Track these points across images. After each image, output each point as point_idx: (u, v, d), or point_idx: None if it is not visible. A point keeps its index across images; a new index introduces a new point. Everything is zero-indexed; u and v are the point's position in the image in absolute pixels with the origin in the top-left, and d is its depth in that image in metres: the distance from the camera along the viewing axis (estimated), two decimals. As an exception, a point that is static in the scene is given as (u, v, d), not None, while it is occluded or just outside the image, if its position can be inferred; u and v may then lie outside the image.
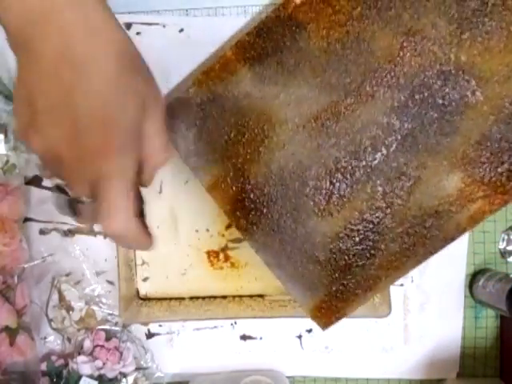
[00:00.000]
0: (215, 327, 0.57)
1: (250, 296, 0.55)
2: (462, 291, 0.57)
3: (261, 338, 0.57)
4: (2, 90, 0.53)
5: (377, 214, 0.42)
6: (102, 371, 0.53)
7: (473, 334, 0.57)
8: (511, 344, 0.56)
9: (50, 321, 0.56)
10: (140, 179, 0.33)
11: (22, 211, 0.53)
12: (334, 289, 0.43)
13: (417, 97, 0.40)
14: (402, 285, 0.56)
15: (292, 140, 0.42)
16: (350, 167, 0.42)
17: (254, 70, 0.42)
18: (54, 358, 0.55)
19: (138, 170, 0.31)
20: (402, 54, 0.40)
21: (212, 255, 0.55)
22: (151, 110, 0.31)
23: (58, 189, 0.33)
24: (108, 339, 0.55)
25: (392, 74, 0.41)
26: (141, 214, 0.34)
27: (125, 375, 0.54)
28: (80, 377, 0.53)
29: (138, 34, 0.55)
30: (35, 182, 0.56)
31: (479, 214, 0.41)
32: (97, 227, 0.57)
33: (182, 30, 0.54)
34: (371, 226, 0.42)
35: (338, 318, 0.44)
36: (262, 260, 0.44)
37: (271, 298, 0.55)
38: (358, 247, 0.42)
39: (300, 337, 0.57)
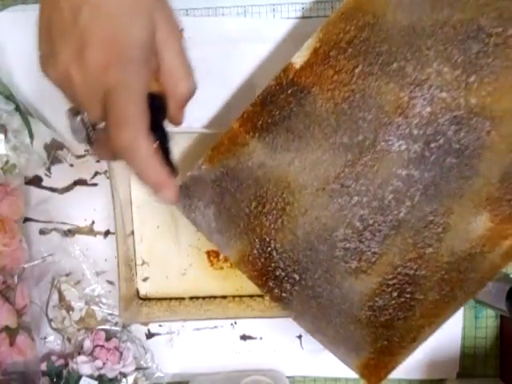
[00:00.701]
0: (215, 327, 0.57)
1: (250, 296, 0.55)
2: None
3: (261, 338, 0.57)
4: (2, 90, 0.53)
5: (410, 266, 0.42)
6: (102, 371, 0.53)
7: (473, 333, 0.57)
8: (511, 344, 0.56)
9: (49, 321, 0.56)
10: (167, 114, 0.34)
11: (22, 211, 0.53)
12: (378, 345, 0.43)
13: (432, 145, 0.41)
14: (401, 285, 0.56)
15: (313, 204, 0.42)
16: (376, 224, 0.42)
17: (263, 140, 0.43)
18: (53, 358, 0.55)
19: (158, 96, 0.32)
20: (411, 105, 0.40)
21: (212, 255, 0.55)
22: (163, 27, 0.31)
23: (75, 113, 0.32)
24: (108, 339, 0.55)
25: (404, 126, 0.41)
26: (164, 151, 0.33)
27: (125, 375, 0.55)
28: (80, 377, 0.53)
29: (138, 34, 0.55)
30: (35, 182, 0.56)
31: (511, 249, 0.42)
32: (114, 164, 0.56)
33: (181, 30, 0.54)
34: (407, 278, 0.42)
35: (387, 373, 0.44)
36: (301, 327, 0.45)
37: None
38: (396, 301, 0.43)
39: (300, 337, 0.57)
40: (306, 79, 0.41)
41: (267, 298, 0.55)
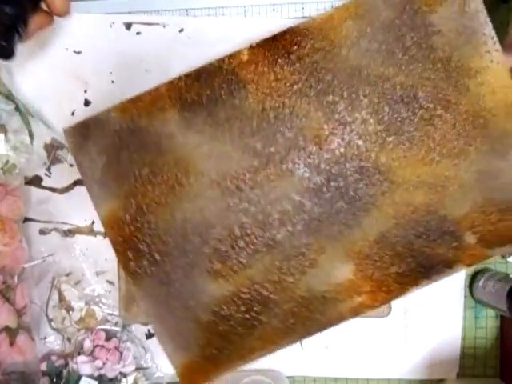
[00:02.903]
0: (215, 327, 0.57)
1: None
2: (462, 291, 0.57)
3: (261, 338, 0.57)
4: (2, 90, 0.53)
5: (268, 287, 0.42)
6: (102, 371, 0.53)
7: (473, 333, 0.57)
8: (511, 344, 0.56)
9: (49, 321, 0.56)
10: None
11: (22, 211, 0.53)
12: (207, 352, 0.43)
13: (332, 184, 0.42)
14: (401, 285, 0.56)
15: (203, 194, 0.42)
16: (253, 236, 0.42)
17: (183, 114, 0.41)
18: (53, 358, 0.55)
19: None
20: (329, 140, 0.41)
21: None
22: None
23: None
24: (108, 339, 0.55)
25: (315, 156, 0.41)
26: None
27: (125, 375, 0.54)
28: (80, 377, 0.53)
29: (138, 34, 0.55)
30: (35, 182, 0.56)
31: (361, 307, 0.43)
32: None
33: (182, 30, 0.54)
34: (259, 297, 0.42)
35: (204, 380, 0.44)
36: (142, 307, 0.43)
37: None
38: (241, 315, 0.42)
39: (300, 337, 0.57)
40: (247, 74, 0.41)
41: None
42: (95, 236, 0.57)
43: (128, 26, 0.54)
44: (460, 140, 0.41)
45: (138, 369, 0.56)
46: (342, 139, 0.41)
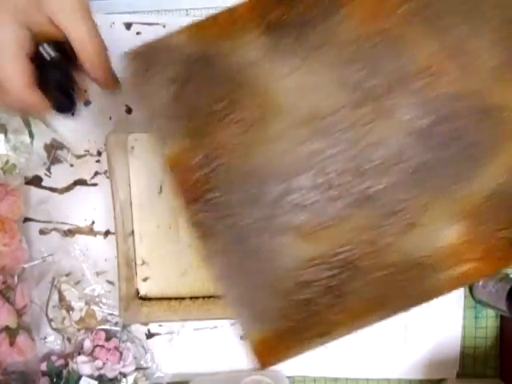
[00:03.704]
0: (215, 327, 0.57)
1: None
2: (462, 291, 0.57)
3: (261, 338, 0.57)
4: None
5: (358, 250, 0.36)
6: (102, 371, 0.53)
7: (473, 333, 0.57)
8: (511, 344, 0.56)
9: (49, 321, 0.56)
10: (78, 60, 0.37)
11: (22, 211, 0.53)
12: (283, 325, 0.36)
13: (442, 127, 0.34)
14: (401, 285, 0.56)
15: (287, 135, 0.35)
16: (344, 187, 0.35)
17: (266, 39, 0.34)
18: (53, 358, 0.55)
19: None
20: (439, 73, 0.34)
21: None
22: None
23: None
24: (108, 339, 0.55)
25: (423, 92, 0.34)
26: (60, 87, 0.39)
27: (125, 375, 0.54)
28: (80, 377, 0.53)
29: (138, 34, 0.55)
30: (35, 181, 0.56)
31: (465, 277, 0.36)
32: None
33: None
34: (347, 262, 0.36)
35: (279, 360, 0.37)
36: (209, 270, 0.37)
37: None
38: (325, 283, 0.36)
39: (300, 337, 0.57)
40: None
41: None
42: (95, 236, 0.57)
43: (128, 26, 0.54)
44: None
45: (138, 369, 0.56)
46: (456, 72, 0.34)
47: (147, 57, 0.35)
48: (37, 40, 0.36)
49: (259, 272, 0.36)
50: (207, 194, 0.35)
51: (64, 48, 0.38)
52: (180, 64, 0.35)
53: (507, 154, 0.35)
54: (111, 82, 0.39)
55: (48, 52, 0.37)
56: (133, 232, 0.55)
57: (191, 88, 0.35)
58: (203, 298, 0.55)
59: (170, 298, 0.56)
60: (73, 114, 0.41)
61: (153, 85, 0.35)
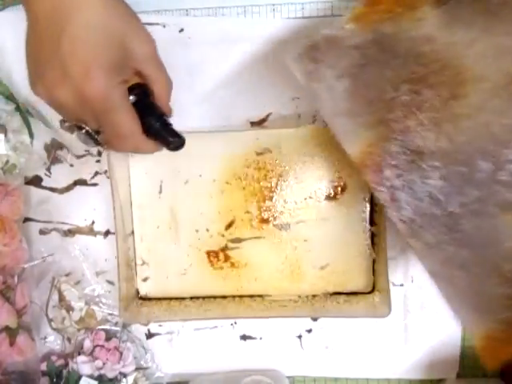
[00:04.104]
0: (215, 327, 0.57)
1: (250, 296, 0.55)
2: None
3: (261, 338, 0.57)
4: (2, 90, 0.53)
5: None
6: (102, 371, 0.53)
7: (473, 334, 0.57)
8: (511, 344, 0.56)
9: (49, 321, 0.56)
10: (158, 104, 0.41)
11: (21, 211, 0.53)
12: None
13: None
14: (402, 285, 0.56)
15: (487, 105, 0.31)
16: None
17: (440, 7, 0.32)
18: (54, 358, 0.55)
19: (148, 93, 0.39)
20: None
21: (212, 255, 0.55)
22: (136, 44, 0.37)
23: (78, 128, 0.38)
24: (108, 339, 0.55)
25: None
26: (160, 126, 0.40)
27: (125, 375, 0.54)
28: (80, 377, 0.53)
29: (138, 34, 0.55)
30: (35, 181, 0.56)
31: None
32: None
33: (182, 30, 0.54)
34: None
35: (507, 355, 0.34)
36: (424, 267, 0.34)
37: (271, 299, 0.55)
38: None
39: (300, 337, 0.57)
40: None
41: (267, 298, 0.55)
42: (95, 236, 0.57)
43: (128, 26, 0.54)
44: None
45: (138, 369, 0.56)
46: None
47: (313, 56, 0.34)
48: None
49: (477, 260, 0.32)
50: (406, 186, 0.32)
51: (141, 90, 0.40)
52: (349, 55, 0.33)
53: None
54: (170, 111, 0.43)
55: (134, 97, 0.39)
56: (133, 232, 0.55)
57: (367, 77, 0.33)
58: (203, 298, 0.56)
59: (170, 298, 0.56)
60: (183, 145, 0.42)
61: (324, 82, 0.34)
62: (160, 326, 0.57)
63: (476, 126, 0.32)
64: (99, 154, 0.56)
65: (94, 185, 0.56)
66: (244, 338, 0.57)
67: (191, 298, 0.56)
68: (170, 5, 0.54)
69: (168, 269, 0.55)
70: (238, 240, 0.55)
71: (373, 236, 0.53)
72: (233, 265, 0.55)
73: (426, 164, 0.31)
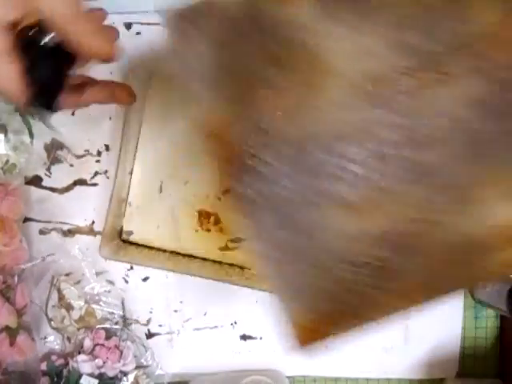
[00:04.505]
0: (215, 327, 0.57)
1: (230, 264, 0.55)
2: (461, 291, 0.57)
3: (261, 338, 0.57)
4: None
5: (412, 228, 0.33)
6: (103, 370, 0.53)
7: (473, 334, 0.57)
8: (511, 344, 0.56)
9: (49, 320, 0.56)
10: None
11: (22, 211, 0.53)
12: (327, 305, 0.34)
13: (508, 96, 0.31)
14: (401, 285, 0.56)
15: (339, 101, 0.32)
16: (399, 158, 0.32)
17: None
18: (54, 357, 0.55)
19: None
20: (506, 40, 0.31)
21: (203, 215, 0.55)
22: None
23: None
24: (108, 338, 0.55)
25: (488, 58, 0.31)
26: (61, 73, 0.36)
27: (125, 374, 0.55)
28: (80, 376, 0.53)
29: (137, 34, 0.54)
30: (35, 181, 0.56)
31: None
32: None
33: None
34: (401, 241, 0.33)
35: (317, 340, 0.35)
36: (252, 246, 0.34)
37: (251, 272, 0.54)
38: (376, 263, 0.33)
39: (300, 337, 0.57)
40: None
41: (246, 270, 0.54)
42: (95, 236, 0.57)
43: (128, 25, 0.54)
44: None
45: (139, 367, 0.56)
46: None
47: (190, 16, 0.33)
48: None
49: (303, 248, 0.33)
50: (246, 164, 0.32)
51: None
52: (224, 27, 0.33)
53: None
54: (108, 51, 0.35)
55: (41, 38, 0.34)
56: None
57: (236, 52, 0.33)
58: (183, 255, 0.55)
59: (151, 247, 0.55)
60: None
61: (193, 47, 0.33)
62: (160, 325, 0.58)
63: (325, 118, 0.32)
64: (99, 154, 0.56)
65: (94, 185, 0.56)
66: (244, 337, 0.58)
67: (172, 252, 0.55)
68: (169, 5, 0.54)
69: (158, 219, 0.55)
70: (239, 239, 0.55)
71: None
72: (221, 230, 0.54)
73: (273, 148, 0.32)
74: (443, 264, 0.33)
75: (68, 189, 0.56)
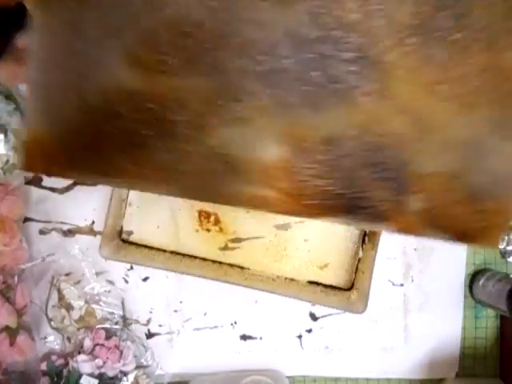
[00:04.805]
0: (215, 327, 0.57)
1: (230, 264, 0.55)
2: (461, 291, 0.57)
3: (261, 338, 0.57)
4: (2, 90, 0.53)
5: (182, 112, 0.32)
6: (103, 370, 0.53)
7: (473, 334, 0.57)
8: (511, 344, 0.56)
9: (49, 320, 0.56)
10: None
11: (22, 211, 0.53)
12: (73, 139, 0.33)
13: (320, 46, 0.31)
14: (402, 285, 0.56)
15: None
16: (201, 41, 0.31)
17: None
18: (54, 357, 0.55)
19: None
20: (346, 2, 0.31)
21: (203, 215, 0.55)
22: None
23: None
24: (108, 338, 0.55)
25: (323, 8, 0.31)
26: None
27: (125, 373, 0.55)
28: (80, 376, 0.53)
29: None
30: (35, 182, 0.56)
31: (265, 202, 0.34)
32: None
33: None
34: (164, 117, 0.32)
35: (45, 171, 0.34)
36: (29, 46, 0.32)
37: (250, 272, 0.54)
38: (132, 125, 0.33)
39: (300, 337, 0.57)
40: None
41: (246, 270, 0.55)
42: (95, 236, 0.57)
43: None
44: (481, 91, 0.32)
45: (139, 367, 0.56)
46: (362, 9, 0.30)
47: None
48: None
49: (76, 73, 0.32)
50: None
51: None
52: None
53: (353, 110, 0.32)
54: None
55: None
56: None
57: None
58: (183, 255, 0.55)
59: (151, 247, 0.55)
60: None
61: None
62: (160, 325, 0.58)
63: None
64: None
65: (94, 185, 0.56)
66: (244, 337, 0.58)
67: (172, 252, 0.55)
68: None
69: (158, 219, 0.55)
70: (239, 240, 0.55)
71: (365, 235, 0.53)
72: (221, 230, 0.55)
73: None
74: (194, 165, 0.33)
75: (68, 189, 0.56)
